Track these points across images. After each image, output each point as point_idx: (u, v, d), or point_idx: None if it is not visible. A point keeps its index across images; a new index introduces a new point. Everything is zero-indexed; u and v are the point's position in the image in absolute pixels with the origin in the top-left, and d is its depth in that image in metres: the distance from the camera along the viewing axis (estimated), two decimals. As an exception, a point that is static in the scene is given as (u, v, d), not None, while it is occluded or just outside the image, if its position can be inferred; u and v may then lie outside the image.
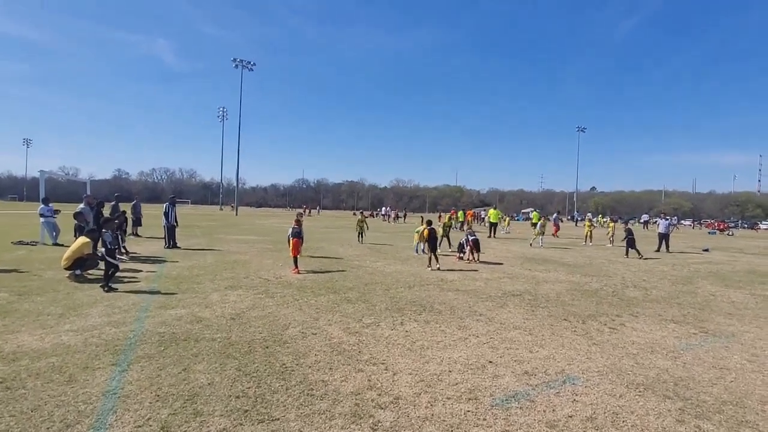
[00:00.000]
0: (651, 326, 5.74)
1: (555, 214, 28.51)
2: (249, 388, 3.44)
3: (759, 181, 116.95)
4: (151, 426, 2.83)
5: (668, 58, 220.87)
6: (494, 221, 23.25)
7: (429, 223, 11.23)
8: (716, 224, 52.80)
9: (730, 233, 41.24)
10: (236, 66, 55.47)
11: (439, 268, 10.10)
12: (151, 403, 3.15)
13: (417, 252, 13.30)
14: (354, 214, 19.84)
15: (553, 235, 24.31)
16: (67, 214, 14.42)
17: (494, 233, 22.79)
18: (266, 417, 2.99)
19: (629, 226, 16.88)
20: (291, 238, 9.49)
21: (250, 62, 56.10)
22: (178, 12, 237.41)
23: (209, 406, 3.11)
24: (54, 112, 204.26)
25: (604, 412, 3.21)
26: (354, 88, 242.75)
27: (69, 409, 3.01)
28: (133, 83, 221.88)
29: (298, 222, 9.87)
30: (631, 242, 14.76)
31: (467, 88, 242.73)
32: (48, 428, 2.76)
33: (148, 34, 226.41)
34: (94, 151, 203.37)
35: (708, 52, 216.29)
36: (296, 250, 9.40)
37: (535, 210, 28.25)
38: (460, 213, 29.07)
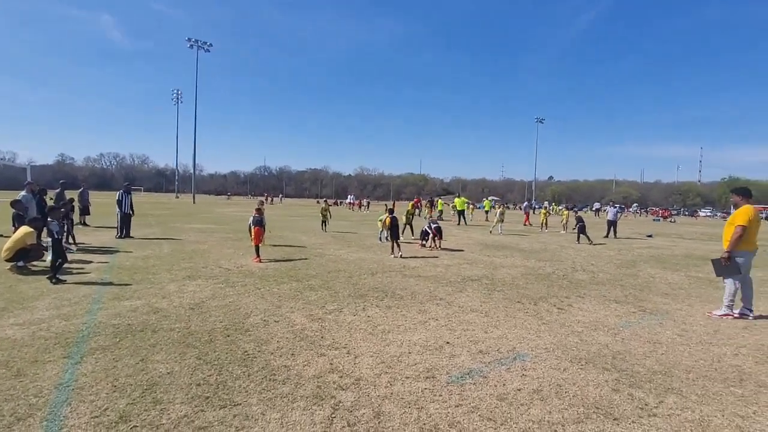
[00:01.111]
0: (595, 306, 6.18)
1: (525, 203, 29.42)
2: (210, 375, 3.45)
3: (700, 171, 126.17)
4: (108, 416, 2.79)
5: (621, 53, 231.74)
6: (461, 209, 23.79)
7: (391, 211, 11.40)
8: (660, 212, 56.52)
9: (673, 220, 44.33)
10: (191, 46, 52.91)
11: (401, 256, 10.29)
12: (107, 393, 3.09)
13: (381, 240, 13.46)
14: (318, 202, 19.68)
15: (524, 223, 24.90)
16: (3, 202, 13.43)
17: (464, 221, 23.37)
18: (228, 402, 3.02)
19: (579, 214, 17.90)
20: (252, 227, 9.37)
21: (206, 43, 53.66)
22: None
23: (169, 395, 3.10)
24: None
25: (549, 385, 3.48)
26: (318, 76, 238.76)
27: (19, 403, 2.91)
28: (75, 62, 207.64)
29: (259, 211, 9.72)
30: (582, 229, 15.62)
31: (431, 78, 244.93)
32: (-4, 423, 2.67)
33: (91, 9, 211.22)
34: (33, 135, 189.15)
35: (656, 49, 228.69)
36: (258, 239, 9.28)
37: (487, 198, 28.89)
38: (439, 202, 28.44)
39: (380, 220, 13.20)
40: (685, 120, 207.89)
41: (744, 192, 5.72)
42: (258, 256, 9.17)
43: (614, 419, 2.97)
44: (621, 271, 9.48)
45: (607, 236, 18.07)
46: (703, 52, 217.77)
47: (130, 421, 2.75)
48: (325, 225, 17.10)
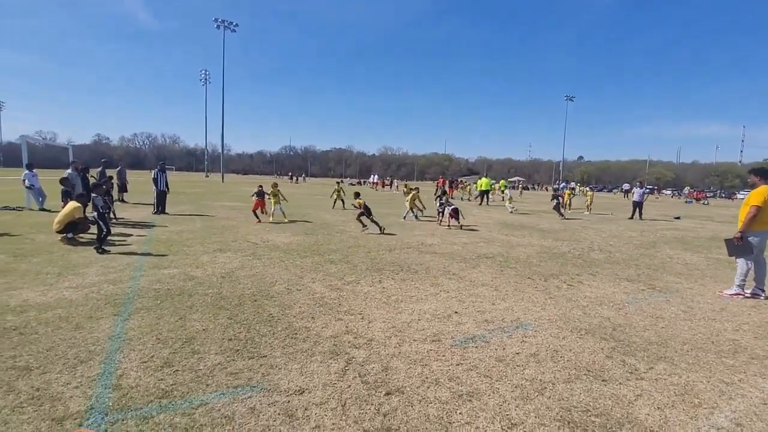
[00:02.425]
0: (605, 284, 6.35)
1: (563, 183, 28.22)
2: (240, 332, 3.90)
3: (741, 151, 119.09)
4: (155, 362, 3.27)
5: (656, 27, 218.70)
6: (485, 189, 23.69)
7: (357, 194, 12.56)
8: (694, 193, 54.38)
9: (706, 202, 42.67)
10: (218, 27, 53.46)
11: (382, 232, 10.75)
12: (153, 344, 3.58)
13: (404, 219, 13.87)
14: (338, 182, 20.11)
15: (569, 206, 21.97)
16: (49, 179, 14.42)
17: (487, 201, 23.36)
18: (255, 354, 3.45)
19: (556, 192, 19.31)
20: (255, 198, 12.44)
21: (232, 23, 54.08)
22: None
23: (205, 347, 3.56)
24: (23, 75, 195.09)
25: (546, 350, 3.76)
26: (341, 55, 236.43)
27: (80, 349, 3.43)
28: (105, 43, 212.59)
29: (261, 186, 12.91)
30: (557, 206, 17.16)
31: (457, 55, 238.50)
32: (64, 363, 3.18)
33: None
34: (70, 116, 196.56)
35: (692, 23, 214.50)
36: (255, 207, 12.45)
37: (482, 177, 27.37)
38: (481, 181, 25.01)
39: (407, 201, 14.22)
40: (727, 97, 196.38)
41: (762, 172, 5.69)
42: (258, 219, 12.05)
43: (603, 380, 3.24)
44: (639, 251, 9.49)
45: (632, 217, 17.78)
46: (745, 23, 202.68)
47: (172, 366, 3.21)
48: (343, 203, 17.57)
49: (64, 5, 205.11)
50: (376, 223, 10.93)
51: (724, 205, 39.70)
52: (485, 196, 23.53)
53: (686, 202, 42.59)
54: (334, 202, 17.64)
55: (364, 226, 11.11)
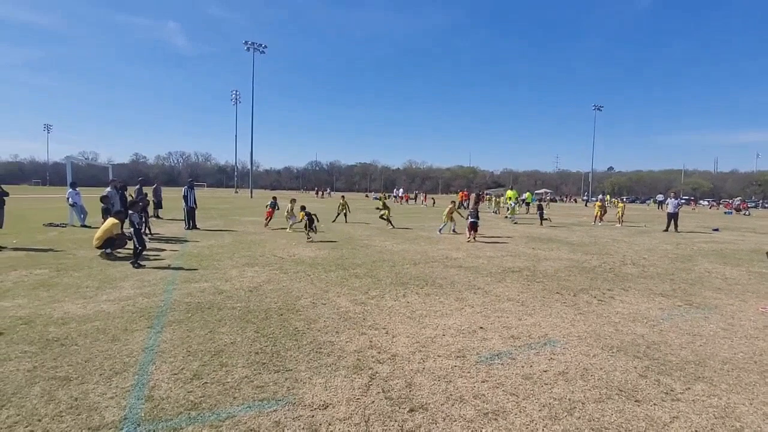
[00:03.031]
0: (639, 299, 6.12)
1: (600, 195, 26.63)
2: (266, 346, 3.97)
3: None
4: (185, 374, 3.37)
5: (687, 35, 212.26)
6: (512, 200, 23.42)
7: (303, 207, 12.38)
8: (734, 204, 51.75)
9: (747, 213, 40.54)
10: (248, 49, 55.66)
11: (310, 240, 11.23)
12: (183, 357, 3.70)
13: (440, 232, 14.11)
14: (366, 196, 20.89)
15: (599, 218, 21.06)
16: (90, 197, 15.19)
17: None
18: (281, 368, 3.51)
19: (540, 203, 20.78)
20: (267, 208, 14.43)
21: (261, 45, 56.22)
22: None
23: (233, 360, 3.65)
24: (69, 99, 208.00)
25: (576, 368, 3.65)
26: (365, 71, 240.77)
27: (116, 361, 3.58)
28: (145, 68, 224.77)
29: (275, 198, 14.98)
30: (541, 215, 18.41)
31: (480, 67, 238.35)
32: (101, 374, 3.33)
33: (158, 17, 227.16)
34: (110, 136, 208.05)
35: (727, 26, 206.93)
36: (267, 216, 14.52)
37: (507, 189, 26.70)
38: (510, 193, 24.15)
39: (444, 214, 14.54)
40: (765, 103, 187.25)
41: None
42: (267, 225, 14.23)
43: (636, 401, 3.11)
44: (675, 265, 9.11)
45: (666, 229, 17.09)
46: None
47: (201, 378, 3.31)
48: (345, 217, 17.98)
49: (107, 31, 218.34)
50: (314, 230, 11.65)
51: (767, 216, 37.60)
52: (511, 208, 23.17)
53: (726, 212, 40.58)
54: (337, 216, 18.15)
55: (309, 237, 11.60)
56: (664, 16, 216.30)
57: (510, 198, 23.42)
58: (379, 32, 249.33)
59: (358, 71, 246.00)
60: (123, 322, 4.58)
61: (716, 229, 18.72)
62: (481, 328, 4.68)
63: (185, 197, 13.78)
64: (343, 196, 20.89)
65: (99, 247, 8.34)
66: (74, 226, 13.60)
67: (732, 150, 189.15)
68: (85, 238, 10.52)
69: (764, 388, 3.37)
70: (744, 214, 38.49)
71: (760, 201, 71.59)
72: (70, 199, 13.49)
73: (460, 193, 29.45)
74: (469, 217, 12.58)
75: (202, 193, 57.11)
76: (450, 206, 14.63)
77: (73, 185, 13.67)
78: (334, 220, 17.41)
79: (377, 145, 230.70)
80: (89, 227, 12.98)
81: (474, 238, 12.29)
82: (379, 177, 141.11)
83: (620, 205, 20.63)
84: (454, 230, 14.38)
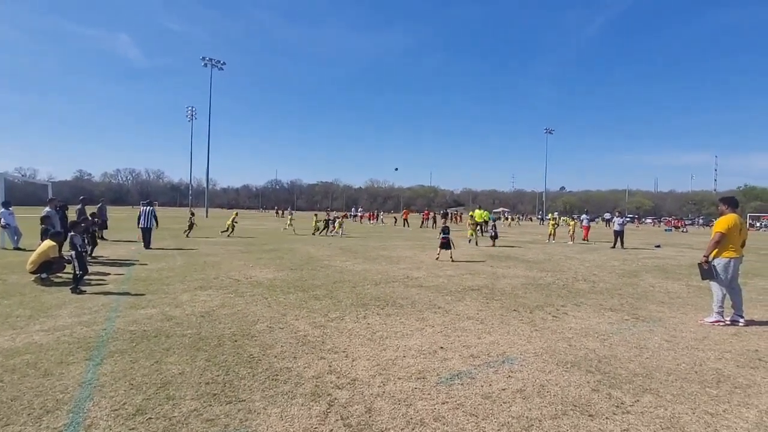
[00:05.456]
0: (590, 314, 6.37)
1: (584, 215, 25.40)
2: (218, 375, 3.76)
3: (715, 180, 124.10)
4: (126, 409, 3.11)
5: (632, 59, 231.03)
6: (480, 221, 23.07)
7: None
8: (672, 222, 55.81)
9: (685, 230, 43.77)
10: (205, 65, 54.53)
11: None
12: (125, 390, 3.42)
13: (476, 244, 16.83)
14: (327, 215, 21.12)
15: (583, 238, 22.29)
16: (26, 217, 14.08)
17: (482, 232, 22.80)
18: (234, 399, 3.32)
19: (494, 223, 20.48)
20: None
21: (219, 61, 55.27)
22: (139, 5, 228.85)
23: (181, 392, 3.41)
24: (4, 110, 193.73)
25: (533, 385, 3.71)
26: (326, 89, 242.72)
27: (47, 398, 3.25)
28: (92, 79, 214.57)
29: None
30: (494, 236, 18.62)
31: (439, 88, 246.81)
32: (29, 414, 3.00)
33: (109, 28, 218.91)
34: (51, 151, 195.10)
35: (668, 53, 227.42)
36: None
37: (474, 209, 25.61)
38: (477, 213, 22.96)
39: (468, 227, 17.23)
40: (699, 127, 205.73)
41: (729, 201, 5.94)
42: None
43: (589, 416, 3.19)
44: (622, 280, 9.60)
45: (614, 246, 18.08)
46: (716, 56, 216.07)
47: (145, 413, 3.06)
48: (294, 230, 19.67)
49: (52, 41, 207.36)
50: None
51: (704, 233, 40.73)
52: (480, 227, 23.00)
53: (666, 230, 43.61)
54: (287, 227, 19.68)
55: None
56: (610, 42, 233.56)
57: (479, 218, 22.62)
58: (339, 51, 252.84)
59: (321, 89, 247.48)
60: (58, 354, 4.20)
61: (658, 246, 20.02)
62: (442, 348, 4.68)
63: (139, 217, 13.37)
64: (291, 214, 21.52)
65: (33, 272, 7.68)
66: (6, 249, 12.50)
67: (670, 171, 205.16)
68: (17, 262, 9.68)
69: (705, 397, 3.56)
70: (682, 231, 41.53)
71: (695, 218, 77.62)
72: (2, 219, 12.41)
73: (424, 212, 29.67)
74: (441, 234, 12.65)
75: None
76: (468, 221, 16.15)
77: (7, 204, 12.62)
78: (284, 229, 17.79)
79: (339, 164, 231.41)
80: (23, 250, 11.97)
81: (450, 257, 12.32)
82: (340, 196, 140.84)
83: (571, 223, 21.68)
84: (476, 243, 17.30)
